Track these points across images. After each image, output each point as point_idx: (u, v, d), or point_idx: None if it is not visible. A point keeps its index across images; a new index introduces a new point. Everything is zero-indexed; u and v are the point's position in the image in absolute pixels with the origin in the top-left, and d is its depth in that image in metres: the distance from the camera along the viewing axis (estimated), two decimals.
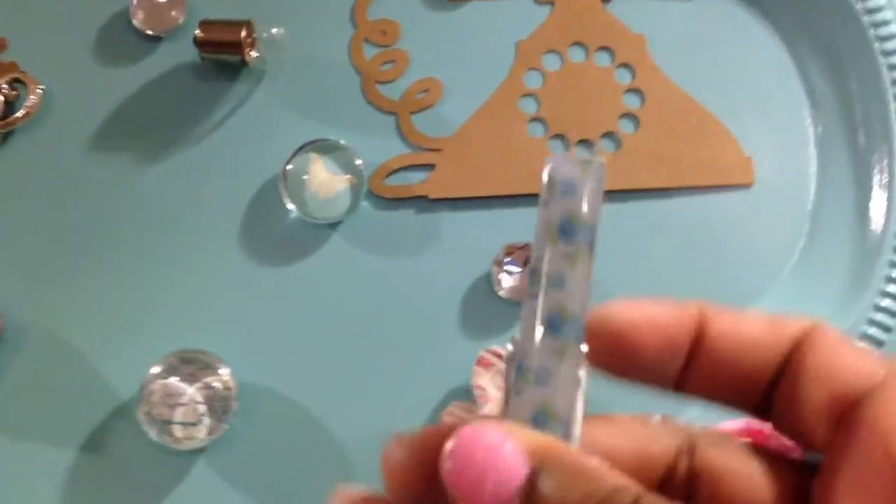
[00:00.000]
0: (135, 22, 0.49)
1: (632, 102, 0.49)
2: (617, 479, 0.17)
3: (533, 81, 0.49)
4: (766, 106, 0.48)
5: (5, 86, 0.48)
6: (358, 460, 0.46)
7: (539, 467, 0.17)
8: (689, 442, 0.20)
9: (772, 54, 0.49)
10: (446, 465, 0.17)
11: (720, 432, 0.21)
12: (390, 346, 0.47)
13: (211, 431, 0.45)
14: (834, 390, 0.19)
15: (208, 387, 0.45)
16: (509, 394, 0.18)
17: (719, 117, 0.48)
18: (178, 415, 0.44)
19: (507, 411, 0.18)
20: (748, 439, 0.20)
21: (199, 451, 0.46)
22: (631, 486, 0.17)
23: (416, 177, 0.49)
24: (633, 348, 0.19)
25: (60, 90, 0.49)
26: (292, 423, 0.46)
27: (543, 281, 0.18)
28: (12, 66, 0.49)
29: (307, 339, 0.47)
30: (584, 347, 0.18)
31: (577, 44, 0.49)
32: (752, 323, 0.20)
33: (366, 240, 0.48)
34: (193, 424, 0.44)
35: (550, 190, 0.19)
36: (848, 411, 0.19)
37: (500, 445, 0.17)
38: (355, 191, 0.48)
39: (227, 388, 0.45)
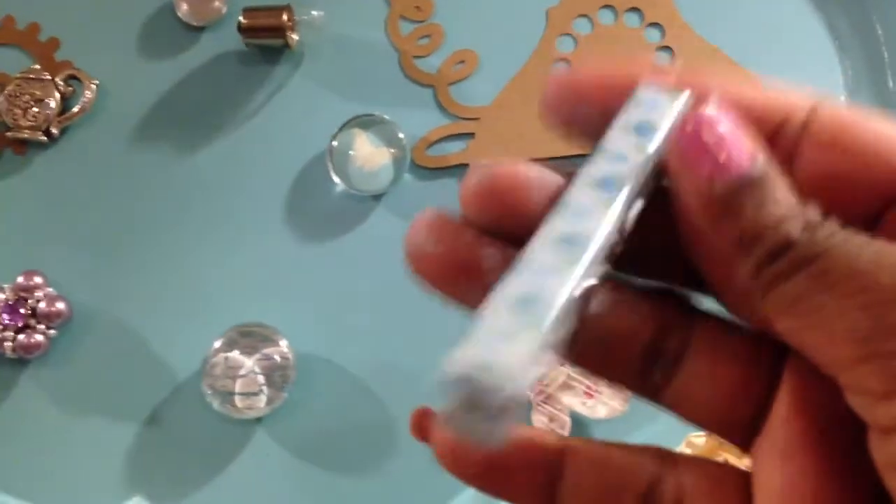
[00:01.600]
0: (179, 14, 0.51)
1: (663, 60, 0.50)
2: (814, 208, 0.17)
3: (565, 46, 0.50)
4: (794, 57, 0.49)
5: (61, 83, 0.51)
6: (408, 426, 0.47)
7: (763, 164, 0.17)
8: None
9: (798, 6, 0.49)
10: (685, 129, 0.18)
11: None
12: (436, 314, 0.48)
13: (270, 401, 0.46)
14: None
15: (267, 358, 0.47)
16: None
17: (749, 69, 0.49)
18: (238, 386, 0.46)
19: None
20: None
21: (259, 420, 0.48)
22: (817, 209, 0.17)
23: (457, 146, 0.50)
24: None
25: (112, 84, 0.51)
26: (346, 391, 0.48)
27: (606, 154, 0.18)
28: (66, 65, 0.51)
29: (358, 308, 0.49)
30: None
31: (607, 6, 0.50)
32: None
33: (410, 210, 0.49)
34: (254, 394, 0.46)
35: (635, 102, 0.19)
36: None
37: (740, 131, 0.18)
38: (398, 163, 0.49)
39: (285, 359, 0.47)
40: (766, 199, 0.17)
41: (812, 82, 0.49)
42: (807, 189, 0.18)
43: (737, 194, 0.17)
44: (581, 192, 0.18)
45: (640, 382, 0.20)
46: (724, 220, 0.17)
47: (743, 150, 0.17)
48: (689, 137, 0.17)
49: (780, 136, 0.18)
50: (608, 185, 0.18)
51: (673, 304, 0.20)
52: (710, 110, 0.17)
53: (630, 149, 0.18)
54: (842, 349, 0.17)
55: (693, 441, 0.43)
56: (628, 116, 0.19)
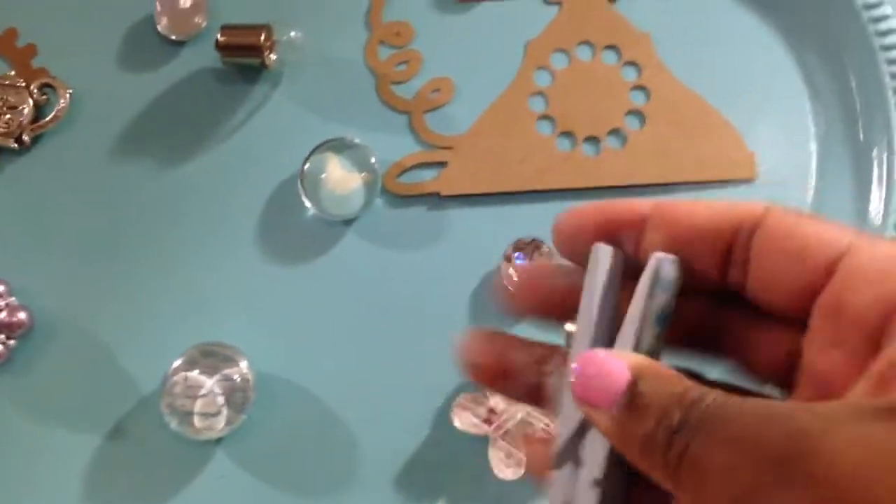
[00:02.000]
0: (159, 27, 0.51)
1: (638, 99, 0.50)
2: (690, 382, 0.23)
3: (542, 80, 0.51)
4: (768, 102, 0.49)
5: (36, 91, 0.51)
6: (370, 450, 0.48)
7: (638, 376, 0.23)
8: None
9: (774, 52, 0.49)
10: (570, 379, 0.24)
11: None
12: (403, 339, 0.48)
13: (229, 422, 0.46)
14: (802, 262, 0.23)
15: (227, 378, 0.46)
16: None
17: (723, 113, 0.49)
18: (198, 406, 0.46)
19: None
20: None
21: (217, 441, 0.48)
22: (699, 386, 0.22)
23: (429, 174, 0.50)
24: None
25: (87, 94, 0.51)
26: (308, 413, 0.48)
27: (634, 341, 0.24)
28: (42, 72, 0.51)
29: (323, 332, 0.49)
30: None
31: (585, 42, 0.51)
32: (705, 208, 0.25)
33: (380, 236, 0.49)
34: (213, 415, 0.46)
35: (655, 283, 0.24)
36: (818, 280, 0.23)
37: (610, 362, 0.23)
38: (370, 188, 0.49)
39: (246, 380, 0.47)
40: (663, 386, 0.23)
41: (784, 129, 0.49)
42: (759, 285, 0.24)
43: (630, 406, 0.23)
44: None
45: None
46: (630, 424, 0.23)
47: (616, 374, 0.23)
48: (575, 385, 0.24)
49: (735, 244, 0.24)
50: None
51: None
52: (579, 358, 0.24)
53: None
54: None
55: None
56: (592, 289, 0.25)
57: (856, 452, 0.19)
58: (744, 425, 0.21)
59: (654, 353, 0.24)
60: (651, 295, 0.24)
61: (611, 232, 0.26)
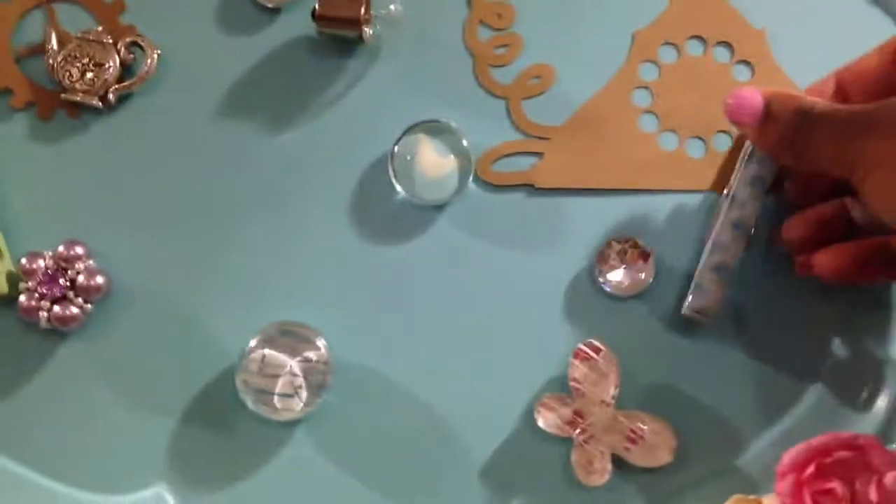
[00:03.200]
0: None
1: None
2: (803, 99, 0.39)
3: (648, 73, 0.49)
4: None
5: (122, 48, 0.49)
6: (448, 442, 0.46)
7: (769, 100, 0.40)
8: None
9: None
10: (726, 109, 0.41)
11: None
12: (489, 332, 0.47)
13: (307, 404, 0.45)
14: None
15: (306, 360, 0.45)
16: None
17: None
18: (276, 385, 0.45)
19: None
20: None
21: (292, 423, 0.47)
22: (809, 99, 0.39)
23: (524, 163, 0.48)
24: None
25: (176, 56, 0.49)
26: (387, 401, 0.47)
27: (730, 191, 0.43)
28: (130, 29, 0.50)
29: (407, 319, 0.47)
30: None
31: (696, 37, 0.49)
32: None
33: (471, 223, 0.48)
34: (290, 396, 0.45)
35: (751, 158, 0.42)
36: None
37: (750, 94, 0.40)
38: (463, 173, 0.47)
39: (324, 363, 0.45)
40: (785, 104, 0.40)
41: None
42: None
43: (765, 119, 0.40)
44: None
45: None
46: (764, 133, 0.40)
47: (753, 103, 0.40)
48: (729, 112, 0.41)
49: None
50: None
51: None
52: (731, 95, 0.41)
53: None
54: None
55: (737, 502, 0.42)
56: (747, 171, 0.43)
57: None
58: (843, 120, 0.38)
59: (747, 206, 0.42)
60: (746, 164, 0.42)
61: None
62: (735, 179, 0.42)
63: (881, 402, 0.46)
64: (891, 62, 0.41)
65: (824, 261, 0.42)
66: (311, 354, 0.45)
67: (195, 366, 0.47)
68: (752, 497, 0.42)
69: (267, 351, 0.45)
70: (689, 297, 0.44)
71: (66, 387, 0.47)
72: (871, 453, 0.41)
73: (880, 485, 0.40)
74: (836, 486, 0.41)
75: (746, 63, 0.48)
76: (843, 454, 0.41)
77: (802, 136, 0.38)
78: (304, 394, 0.45)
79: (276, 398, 0.45)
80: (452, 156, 0.48)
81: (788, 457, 0.42)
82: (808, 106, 0.38)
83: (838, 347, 0.47)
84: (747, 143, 0.41)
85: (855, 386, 0.46)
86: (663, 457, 0.45)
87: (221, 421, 0.47)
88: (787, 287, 0.47)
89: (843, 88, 0.43)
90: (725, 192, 0.43)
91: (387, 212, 0.48)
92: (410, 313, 0.47)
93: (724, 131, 0.48)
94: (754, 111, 0.39)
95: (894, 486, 0.40)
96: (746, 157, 0.41)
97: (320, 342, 0.46)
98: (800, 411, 0.46)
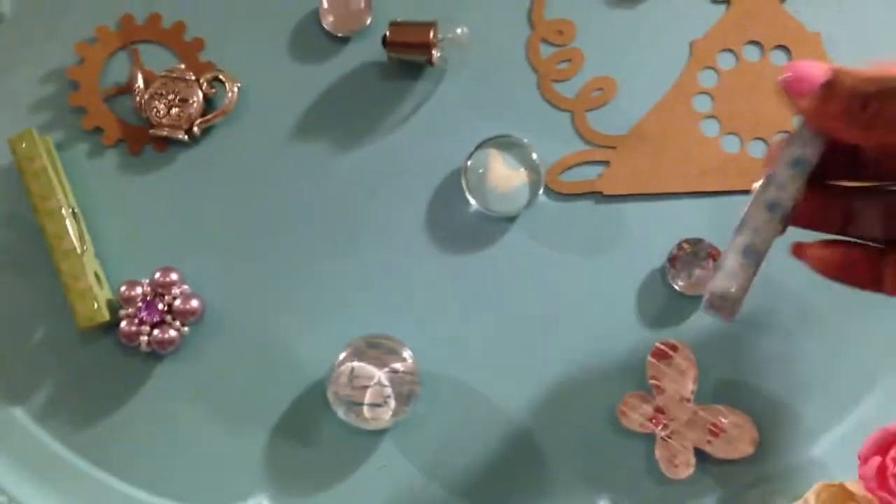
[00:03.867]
0: (325, 24, 0.52)
1: None
2: (878, 70, 0.34)
3: (707, 80, 0.50)
4: None
5: (205, 83, 0.52)
6: (535, 448, 0.48)
7: (835, 74, 0.34)
8: None
9: None
10: (782, 82, 0.36)
11: None
12: (566, 335, 0.49)
13: (395, 414, 0.47)
14: None
15: (394, 371, 0.47)
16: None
17: None
18: (366, 396, 0.47)
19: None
20: None
21: (383, 432, 0.49)
22: (887, 70, 0.33)
23: (592, 172, 0.50)
24: None
25: (254, 87, 0.52)
26: (471, 408, 0.49)
27: (771, 173, 0.37)
28: (210, 66, 0.52)
29: (485, 327, 0.49)
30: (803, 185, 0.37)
31: (753, 42, 0.50)
32: None
33: (544, 233, 0.50)
34: (379, 406, 0.47)
35: (792, 137, 0.37)
36: None
37: (813, 66, 0.35)
38: (533, 185, 0.49)
39: (411, 374, 0.47)
40: (850, 74, 0.34)
41: None
42: None
43: (825, 90, 0.35)
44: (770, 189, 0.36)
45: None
46: (827, 105, 0.35)
47: (813, 76, 0.35)
48: (785, 83, 0.36)
49: None
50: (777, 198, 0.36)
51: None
52: (788, 72, 0.36)
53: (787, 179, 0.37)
54: None
55: (823, 489, 0.43)
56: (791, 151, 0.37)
57: None
58: None
59: (787, 188, 0.36)
60: (788, 144, 0.36)
61: None
62: (778, 160, 0.37)
63: None
64: None
65: (814, 251, 0.39)
66: (399, 365, 0.47)
67: (285, 380, 0.49)
68: (836, 482, 0.44)
69: (356, 363, 0.47)
70: (712, 282, 0.37)
71: (166, 406, 0.49)
72: None
73: None
74: None
75: None
76: None
77: (879, 102, 0.34)
78: (392, 403, 0.47)
79: (365, 408, 0.47)
80: (523, 169, 0.50)
81: (870, 441, 0.43)
82: (884, 73, 0.33)
83: None
84: (796, 124, 0.37)
85: None
86: (745, 448, 0.46)
87: (312, 432, 0.49)
88: None
89: None
90: (765, 175, 0.38)
91: (461, 224, 0.50)
92: (489, 321, 0.49)
93: (785, 132, 0.49)
94: (814, 81, 0.35)
95: None
96: (793, 138, 0.37)
97: (406, 353, 0.48)
98: (873, 400, 0.48)
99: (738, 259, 0.37)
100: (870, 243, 0.39)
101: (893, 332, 0.48)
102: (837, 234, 0.39)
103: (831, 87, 0.34)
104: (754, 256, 0.37)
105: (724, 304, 0.37)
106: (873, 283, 0.38)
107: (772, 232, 0.37)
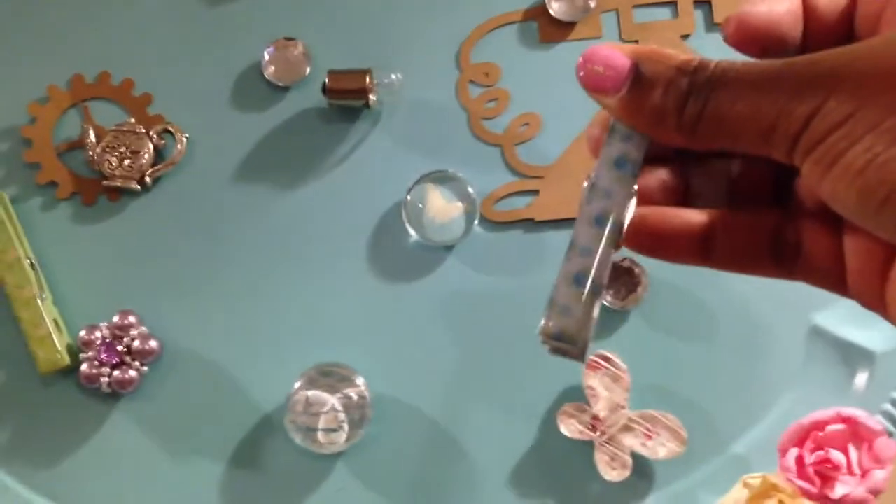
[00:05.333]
0: (266, 75, 0.55)
1: None
2: (686, 55, 0.26)
3: None
4: None
5: (155, 136, 0.55)
6: (481, 460, 0.51)
7: (638, 60, 0.26)
8: None
9: None
10: (578, 74, 0.27)
11: None
12: (505, 355, 0.52)
13: (349, 437, 0.50)
14: None
15: (346, 396, 0.50)
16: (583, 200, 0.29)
17: None
18: (321, 422, 0.50)
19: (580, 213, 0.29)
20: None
21: (338, 455, 0.51)
22: (697, 57, 0.26)
23: (522, 201, 0.54)
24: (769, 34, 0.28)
25: (202, 137, 0.55)
26: (420, 427, 0.52)
27: (593, 176, 0.29)
28: (158, 119, 0.55)
29: (429, 350, 0.52)
30: (635, 186, 0.29)
31: None
32: None
33: (479, 259, 0.53)
34: (334, 430, 0.50)
35: (612, 134, 0.29)
36: None
37: (611, 52, 0.27)
38: (469, 216, 0.53)
39: (363, 398, 0.50)
40: (662, 62, 0.26)
41: None
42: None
43: (635, 85, 0.26)
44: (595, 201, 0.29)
45: (776, 269, 0.28)
46: (640, 99, 0.27)
47: (618, 62, 0.26)
48: (583, 78, 0.27)
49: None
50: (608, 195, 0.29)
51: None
52: (582, 55, 0.27)
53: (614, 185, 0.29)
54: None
55: (749, 482, 0.47)
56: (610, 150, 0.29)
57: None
58: (762, 74, 0.25)
59: (613, 195, 0.29)
60: (607, 142, 0.29)
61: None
62: (597, 164, 0.30)
63: (859, 379, 0.51)
64: None
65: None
66: (351, 391, 0.50)
67: (240, 412, 0.52)
68: (759, 474, 0.47)
69: (310, 392, 0.50)
70: (544, 320, 0.29)
71: (126, 443, 0.52)
72: (858, 424, 0.46)
73: (870, 450, 0.45)
74: (832, 455, 0.46)
75: None
76: (834, 427, 0.46)
77: (698, 100, 0.26)
78: (346, 427, 0.50)
79: (320, 434, 0.50)
80: (458, 201, 0.53)
81: (787, 435, 0.47)
82: (699, 63, 0.26)
83: (813, 335, 0.52)
84: (610, 119, 0.29)
85: (832, 367, 0.52)
86: (676, 449, 0.49)
87: (269, 461, 0.51)
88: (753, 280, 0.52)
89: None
90: (585, 182, 0.30)
91: (402, 255, 0.53)
92: (432, 344, 0.52)
93: None
94: (618, 74, 0.27)
95: (883, 450, 0.45)
96: (612, 132, 0.30)
97: (359, 380, 0.51)
98: (786, 401, 0.52)
99: (570, 289, 0.30)
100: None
101: (799, 339, 0.52)
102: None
103: (637, 79, 0.27)
104: (589, 283, 0.29)
105: (566, 347, 0.29)
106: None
107: (606, 251, 0.29)
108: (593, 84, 0.27)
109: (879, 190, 0.23)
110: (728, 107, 0.25)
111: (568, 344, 0.29)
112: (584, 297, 0.29)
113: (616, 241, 0.30)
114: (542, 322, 0.29)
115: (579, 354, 0.28)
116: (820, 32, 0.28)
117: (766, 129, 0.25)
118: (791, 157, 0.25)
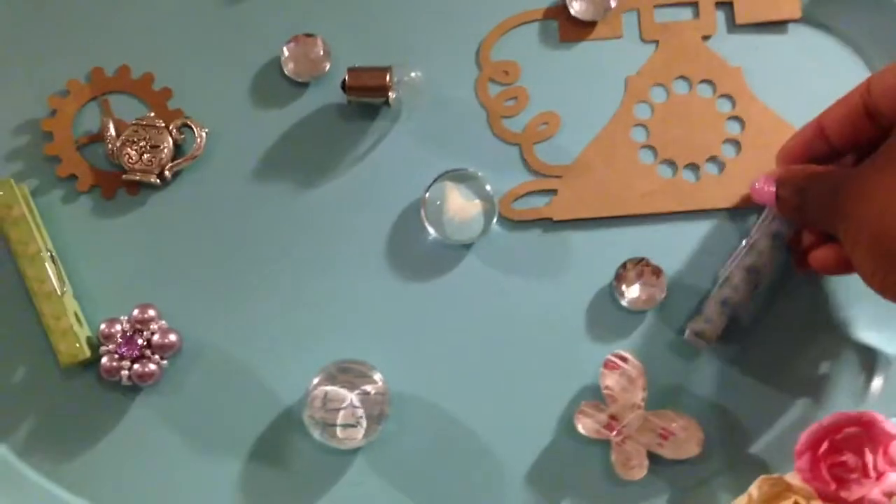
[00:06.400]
0: (286, 71, 0.55)
1: (733, 129, 0.54)
2: (807, 169, 0.47)
3: (642, 113, 0.55)
4: None
5: (174, 130, 0.55)
6: (498, 458, 0.51)
7: (779, 181, 0.48)
8: None
9: (860, 79, 0.54)
10: (752, 190, 0.50)
11: None
12: (524, 353, 0.53)
13: (367, 433, 0.50)
14: None
15: (364, 393, 0.50)
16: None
17: None
18: (339, 418, 0.50)
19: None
20: None
21: (356, 451, 0.52)
22: (803, 172, 0.47)
23: (541, 201, 0.54)
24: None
25: (221, 132, 0.55)
26: (438, 425, 0.52)
27: (750, 241, 0.51)
28: (178, 113, 0.55)
29: (448, 348, 0.53)
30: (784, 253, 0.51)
31: (682, 77, 0.55)
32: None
33: (498, 258, 0.54)
34: (353, 426, 0.50)
35: (773, 215, 0.50)
36: None
37: (764, 182, 0.49)
38: (487, 214, 0.53)
39: (381, 394, 0.51)
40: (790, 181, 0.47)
41: None
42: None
43: (779, 196, 0.48)
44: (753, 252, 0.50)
45: None
46: (782, 204, 0.48)
47: (768, 189, 0.48)
48: (756, 197, 0.50)
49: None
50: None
51: None
52: (755, 184, 0.50)
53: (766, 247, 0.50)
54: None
55: (765, 483, 0.47)
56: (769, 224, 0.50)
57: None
58: (826, 179, 0.45)
59: (764, 255, 0.49)
60: (771, 218, 0.49)
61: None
62: (756, 230, 0.50)
63: (876, 383, 0.52)
64: (859, 105, 0.46)
65: (822, 256, 0.47)
66: (369, 387, 0.50)
67: (260, 407, 0.52)
68: (776, 475, 0.48)
69: (328, 388, 0.50)
70: (692, 322, 0.50)
71: (145, 437, 0.52)
72: (874, 427, 0.47)
73: (886, 453, 0.46)
74: (848, 458, 0.46)
75: (728, 97, 0.55)
76: (851, 430, 0.47)
77: (803, 198, 0.46)
78: (364, 423, 0.50)
79: (338, 429, 0.50)
80: (477, 199, 0.53)
81: (804, 437, 0.47)
82: (810, 171, 0.46)
83: (832, 340, 0.53)
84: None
85: (850, 371, 0.52)
86: (692, 449, 0.50)
87: (288, 455, 0.52)
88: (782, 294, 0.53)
89: (822, 132, 0.48)
90: (745, 240, 0.50)
91: (421, 253, 0.54)
92: (451, 342, 0.53)
93: (713, 157, 0.54)
94: (770, 194, 0.48)
95: None
96: (772, 215, 0.49)
97: (377, 376, 0.51)
98: (804, 401, 0.52)
99: (717, 308, 0.49)
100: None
101: (818, 342, 0.53)
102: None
103: (779, 194, 0.47)
104: (729, 308, 0.49)
105: (700, 342, 0.50)
106: (849, 268, 0.46)
107: (748, 290, 0.49)
108: (758, 198, 0.49)
109: None
110: (811, 203, 0.46)
111: (703, 340, 0.50)
112: (724, 315, 0.50)
113: (757, 286, 0.50)
114: (692, 322, 0.50)
115: (704, 347, 0.50)
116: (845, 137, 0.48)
117: (831, 223, 0.44)
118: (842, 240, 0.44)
